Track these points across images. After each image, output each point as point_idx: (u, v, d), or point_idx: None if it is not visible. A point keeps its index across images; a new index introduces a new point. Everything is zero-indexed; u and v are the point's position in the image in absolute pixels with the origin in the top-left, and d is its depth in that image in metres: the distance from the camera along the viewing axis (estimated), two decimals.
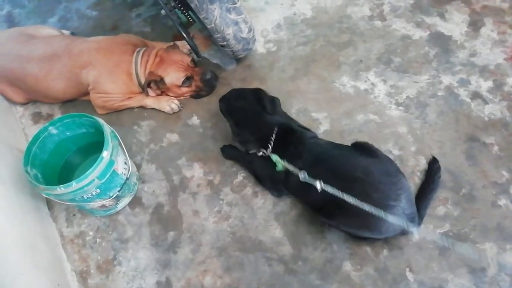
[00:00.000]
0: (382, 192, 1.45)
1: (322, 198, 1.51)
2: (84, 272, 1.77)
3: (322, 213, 1.58)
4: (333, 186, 1.47)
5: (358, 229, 1.55)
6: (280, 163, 1.59)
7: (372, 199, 1.41)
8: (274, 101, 1.82)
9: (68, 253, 1.82)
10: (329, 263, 1.65)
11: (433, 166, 1.75)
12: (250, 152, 1.74)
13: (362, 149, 1.63)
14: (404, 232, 1.53)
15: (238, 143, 1.89)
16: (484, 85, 2.01)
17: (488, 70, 2.05)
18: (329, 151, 1.63)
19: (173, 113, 2.13)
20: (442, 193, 1.73)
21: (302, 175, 1.50)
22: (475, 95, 1.98)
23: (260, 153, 1.67)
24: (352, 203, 1.34)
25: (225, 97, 1.87)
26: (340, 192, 1.38)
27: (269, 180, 1.78)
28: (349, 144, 1.71)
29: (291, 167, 1.55)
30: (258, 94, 1.82)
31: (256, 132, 1.73)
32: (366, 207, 1.32)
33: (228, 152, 1.95)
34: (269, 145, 1.65)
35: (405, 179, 1.53)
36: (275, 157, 1.61)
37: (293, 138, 1.67)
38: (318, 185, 1.43)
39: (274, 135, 1.66)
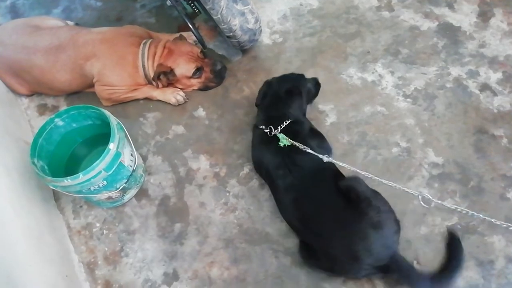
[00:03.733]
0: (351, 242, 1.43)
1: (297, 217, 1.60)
2: (91, 263, 1.77)
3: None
4: (307, 209, 1.55)
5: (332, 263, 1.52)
6: (286, 140, 1.62)
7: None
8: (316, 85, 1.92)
9: (75, 245, 1.82)
10: None
11: (453, 241, 1.57)
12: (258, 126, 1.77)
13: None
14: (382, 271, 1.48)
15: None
16: (493, 76, 1.99)
17: (497, 61, 2.03)
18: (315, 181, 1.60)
19: (179, 105, 2.12)
20: (450, 186, 1.73)
21: (308, 149, 1.56)
22: (484, 87, 1.96)
23: (267, 130, 1.70)
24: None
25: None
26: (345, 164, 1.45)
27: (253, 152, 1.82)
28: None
29: (297, 143, 1.59)
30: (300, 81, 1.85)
31: (272, 113, 1.77)
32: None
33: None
34: (279, 127, 1.69)
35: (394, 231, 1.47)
36: (281, 136, 1.64)
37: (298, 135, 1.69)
38: (325, 158, 1.51)
39: (285, 123, 1.70)
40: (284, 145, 1.63)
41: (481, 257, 1.57)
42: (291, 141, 1.62)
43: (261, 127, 1.74)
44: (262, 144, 1.74)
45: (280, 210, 1.70)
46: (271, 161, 1.66)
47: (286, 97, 1.78)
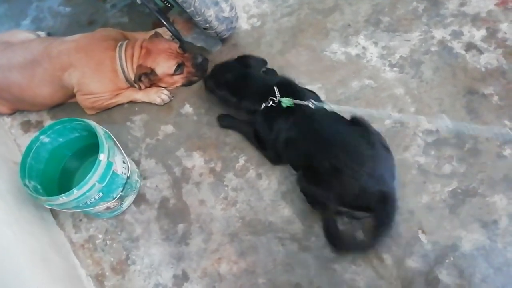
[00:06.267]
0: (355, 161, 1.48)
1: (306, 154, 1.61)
2: (99, 275, 1.77)
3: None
4: (313, 145, 1.59)
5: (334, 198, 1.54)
6: (289, 101, 1.65)
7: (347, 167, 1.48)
8: (264, 61, 1.93)
9: (81, 259, 1.81)
10: None
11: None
12: (254, 110, 1.76)
13: (357, 123, 1.63)
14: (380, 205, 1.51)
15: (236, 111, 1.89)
16: (478, 34, 1.96)
17: (480, 18, 1.99)
18: (321, 115, 1.65)
19: (165, 104, 2.08)
20: (447, 151, 1.72)
21: (311, 104, 1.63)
22: (470, 46, 1.93)
23: (270, 103, 1.69)
24: None
25: (211, 75, 1.91)
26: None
27: (269, 142, 1.78)
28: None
29: (300, 102, 1.64)
30: (243, 61, 1.86)
31: (257, 91, 1.76)
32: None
33: (225, 120, 1.95)
34: (276, 94, 1.70)
35: (385, 152, 1.57)
36: (284, 99, 1.66)
37: (292, 93, 1.71)
38: (311, 104, 1.61)
39: (276, 88, 1.71)
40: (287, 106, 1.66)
41: (484, 218, 1.58)
42: (295, 101, 1.64)
43: (269, 104, 1.71)
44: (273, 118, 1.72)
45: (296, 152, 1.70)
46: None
47: (246, 76, 1.81)
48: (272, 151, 1.79)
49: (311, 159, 1.58)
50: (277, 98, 1.69)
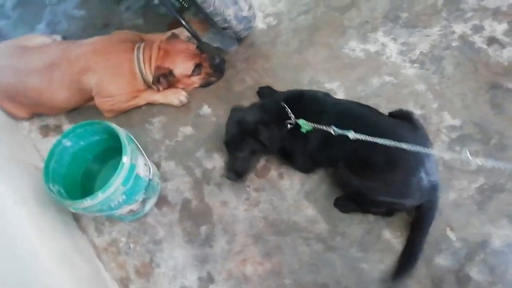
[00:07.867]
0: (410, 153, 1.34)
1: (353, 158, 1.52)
2: (124, 279, 1.76)
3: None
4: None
5: (387, 192, 1.48)
6: (307, 125, 1.56)
7: (402, 160, 1.41)
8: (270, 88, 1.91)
9: (104, 262, 1.81)
10: (367, 234, 1.64)
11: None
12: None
13: (398, 116, 1.60)
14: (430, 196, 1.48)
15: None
16: (499, 28, 1.93)
17: (501, 12, 1.96)
18: (351, 107, 1.62)
19: (183, 105, 2.07)
20: (472, 147, 1.69)
21: (333, 131, 1.45)
22: (491, 40, 1.91)
23: (289, 126, 1.62)
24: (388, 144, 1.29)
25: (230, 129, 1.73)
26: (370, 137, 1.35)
27: (299, 153, 1.73)
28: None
29: (319, 126, 1.52)
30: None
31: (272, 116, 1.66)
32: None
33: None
34: (289, 114, 1.61)
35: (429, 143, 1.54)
36: (301, 121, 1.58)
37: (307, 102, 1.66)
38: (351, 135, 1.39)
39: (286, 106, 1.62)
40: (307, 131, 1.57)
41: None
42: (314, 125, 1.54)
43: (288, 127, 1.63)
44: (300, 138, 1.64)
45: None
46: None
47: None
48: (303, 159, 1.74)
49: (355, 152, 1.49)
50: (293, 119, 1.60)
